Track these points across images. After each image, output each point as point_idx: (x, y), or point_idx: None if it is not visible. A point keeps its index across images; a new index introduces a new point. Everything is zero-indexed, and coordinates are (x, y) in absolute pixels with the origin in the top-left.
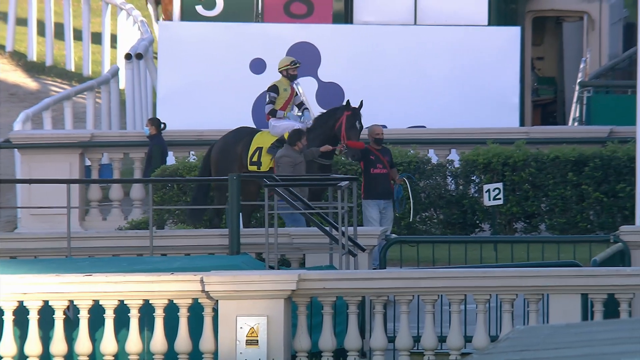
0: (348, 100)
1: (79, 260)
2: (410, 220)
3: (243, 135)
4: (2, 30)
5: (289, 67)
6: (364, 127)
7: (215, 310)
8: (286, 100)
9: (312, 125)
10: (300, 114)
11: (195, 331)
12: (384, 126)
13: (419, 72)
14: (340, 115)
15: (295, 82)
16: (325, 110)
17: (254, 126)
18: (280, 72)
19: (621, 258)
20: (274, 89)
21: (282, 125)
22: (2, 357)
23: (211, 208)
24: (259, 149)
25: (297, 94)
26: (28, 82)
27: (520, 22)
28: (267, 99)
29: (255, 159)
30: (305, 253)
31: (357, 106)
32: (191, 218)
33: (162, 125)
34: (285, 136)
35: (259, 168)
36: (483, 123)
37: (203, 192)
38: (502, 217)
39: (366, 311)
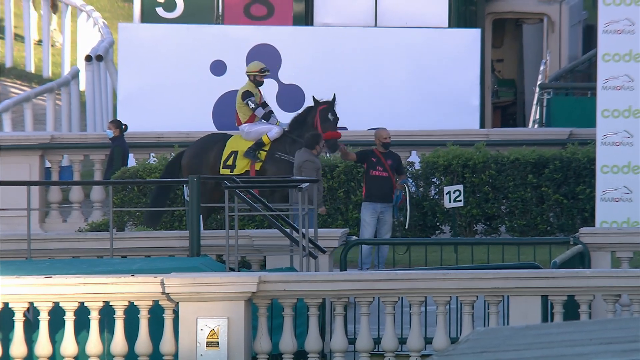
0: (313, 96)
1: (38, 262)
2: (406, 227)
3: (216, 141)
4: None
5: (257, 73)
6: (339, 118)
7: (175, 312)
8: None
9: (290, 127)
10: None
11: (156, 333)
12: (345, 128)
13: (379, 74)
14: (315, 112)
15: None
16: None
17: (215, 128)
18: (247, 75)
19: (581, 260)
20: (248, 94)
21: (259, 129)
22: None
23: (169, 210)
24: (234, 152)
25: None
26: None
27: (480, 24)
28: (252, 105)
29: (230, 162)
30: (265, 255)
31: (330, 100)
32: (149, 221)
33: (124, 127)
34: (264, 139)
35: (232, 171)
36: (443, 125)
37: (163, 196)
38: (463, 219)
39: (326, 313)
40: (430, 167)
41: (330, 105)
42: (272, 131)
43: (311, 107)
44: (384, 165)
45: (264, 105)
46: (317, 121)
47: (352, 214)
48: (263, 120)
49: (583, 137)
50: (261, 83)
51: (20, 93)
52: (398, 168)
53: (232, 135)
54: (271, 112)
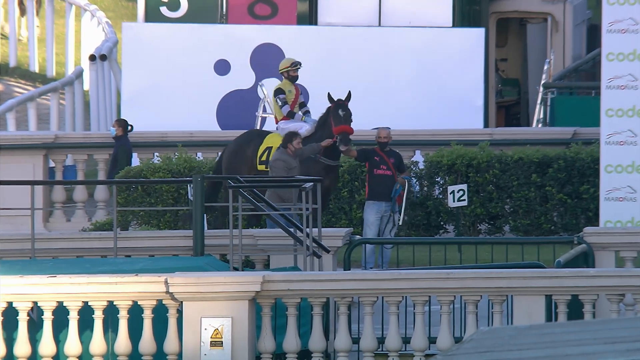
0: (329, 93)
1: (42, 262)
2: (400, 223)
3: (253, 137)
4: None
5: (289, 68)
6: (351, 113)
7: (179, 312)
8: (292, 102)
9: (315, 128)
10: (301, 114)
11: (160, 333)
12: None
13: (383, 74)
14: (329, 111)
15: (260, 83)
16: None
17: (219, 128)
18: (281, 73)
19: (585, 259)
20: (280, 91)
21: (291, 127)
22: None
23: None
24: (269, 148)
25: (301, 94)
26: None
27: (484, 23)
28: (279, 103)
29: (264, 158)
30: (269, 254)
31: (344, 97)
32: (187, 220)
33: (129, 127)
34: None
35: (267, 167)
36: (447, 124)
37: (212, 193)
38: (466, 218)
39: (330, 312)
40: (434, 166)
41: (339, 102)
42: (302, 129)
43: (329, 107)
44: (387, 163)
45: (302, 104)
46: (330, 119)
47: (356, 213)
48: (300, 115)
49: (587, 137)
50: (296, 78)
51: (24, 93)
52: (400, 166)
53: (269, 132)
54: (306, 111)
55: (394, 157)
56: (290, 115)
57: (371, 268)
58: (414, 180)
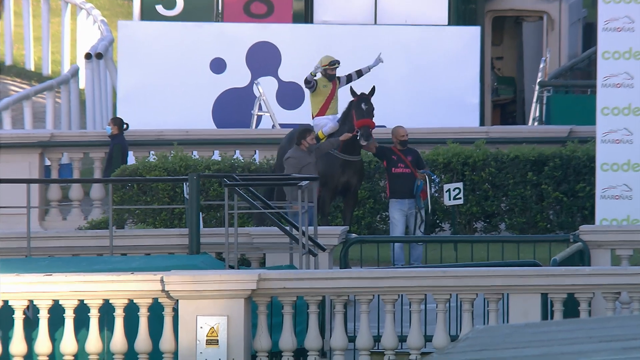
0: (351, 87)
1: (38, 260)
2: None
3: (294, 135)
4: None
5: (327, 67)
6: (374, 107)
7: (175, 310)
8: (328, 97)
9: (339, 123)
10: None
11: (156, 331)
12: None
13: (379, 72)
14: (351, 106)
15: (256, 81)
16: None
17: (214, 126)
18: (323, 68)
19: (580, 258)
20: (311, 77)
21: (319, 124)
22: None
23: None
24: None
25: (339, 86)
26: None
27: (479, 21)
28: (308, 77)
29: None
30: (265, 253)
31: (368, 92)
32: (260, 221)
33: (125, 126)
34: (320, 134)
35: None
36: (443, 123)
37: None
38: (462, 216)
39: (326, 311)
40: (430, 164)
41: (362, 96)
42: (326, 126)
43: (352, 100)
44: (404, 162)
45: (350, 76)
46: (352, 113)
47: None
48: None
49: (583, 135)
50: (333, 76)
51: (20, 91)
52: (418, 163)
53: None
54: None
55: (411, 155)
56: (306, 83)
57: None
58: (434, 175)
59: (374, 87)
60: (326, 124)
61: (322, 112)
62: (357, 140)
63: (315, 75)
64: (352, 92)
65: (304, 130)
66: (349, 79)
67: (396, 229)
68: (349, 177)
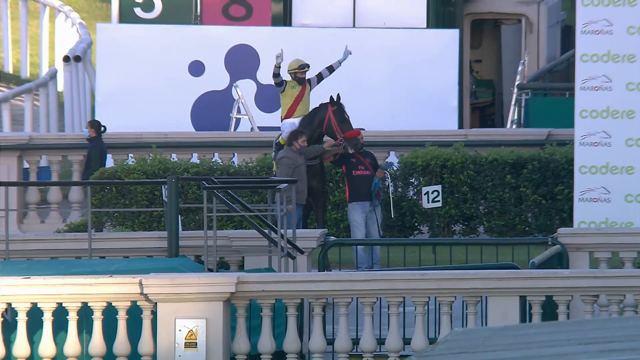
0: (331, 96)
1: (17, 263)
2: (392, 217)
3: None
4: None
5: (297, 70)
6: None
7: (154, 313)
8: (295, 99)
9: (300, 126)
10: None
11: (134, 334)
12: None
13: (358, 75)
14: (323, 114)
15: (234, 84)
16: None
17: (193, 129)
18: (289, 73)
19: (559, 260)
20: (282, 82)
21: (284, 129)
22: None
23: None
24: None
25: (311, 88)
26: None
27: (458, 24)
28: (274, 71)
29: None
30: (244, 255)
31: (335, 100)
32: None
33: (102, 128)
34: (280, 141)
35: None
36: (421, 125)
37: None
38: (441, 219)
39: (305, 313)
40: (409, 167)
41: (341, 105)
42: (284, 133)
43: (317, 108)
44: (364, 164)
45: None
46: (333, 122)
47: (330, 214)
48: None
49: (561, 138)
50: (302, 80)
51: None
52: (376, 165)
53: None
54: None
55: (369, 157)
56: (275, 72)
57: (366, 269)
58: (392, 163)
59: (339, 95)
60: (294, 126)
61: (289, 114)
62: (343, 148)
63: (280, 67)
64: (331, 98)
65: (295, 132)
66: (320, 77)
67: (358, 232)
68: (309, 181)
